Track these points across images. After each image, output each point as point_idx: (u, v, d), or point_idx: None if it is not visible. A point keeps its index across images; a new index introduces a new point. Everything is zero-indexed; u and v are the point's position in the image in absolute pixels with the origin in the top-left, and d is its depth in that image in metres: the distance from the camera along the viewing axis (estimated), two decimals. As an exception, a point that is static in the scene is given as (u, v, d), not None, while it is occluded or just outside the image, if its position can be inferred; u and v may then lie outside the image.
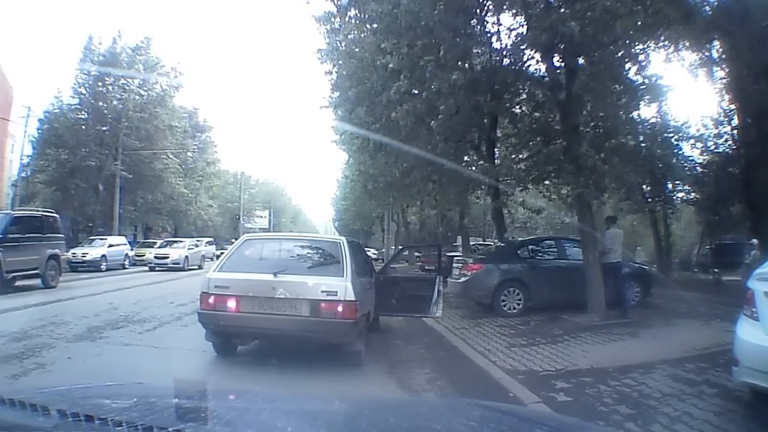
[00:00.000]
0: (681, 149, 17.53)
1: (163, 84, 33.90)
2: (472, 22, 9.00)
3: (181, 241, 27.30)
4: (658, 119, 15.36)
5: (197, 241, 29.76)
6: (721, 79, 14.99)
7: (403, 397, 4.64)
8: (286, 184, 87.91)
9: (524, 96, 11.46)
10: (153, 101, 32.85)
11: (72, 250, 22.00)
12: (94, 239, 24.83)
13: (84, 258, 21.54)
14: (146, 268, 23.25)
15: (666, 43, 9.55)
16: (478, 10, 8.92)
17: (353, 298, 5.60)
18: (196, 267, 24.95)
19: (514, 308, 9.52)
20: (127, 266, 24.16)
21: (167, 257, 23.76)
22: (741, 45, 10.47)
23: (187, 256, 24.69)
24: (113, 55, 31.24)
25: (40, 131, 31.30)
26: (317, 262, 6.28)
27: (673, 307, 9.81)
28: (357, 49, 9.60)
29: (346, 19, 9.61)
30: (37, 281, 13.66)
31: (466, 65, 9.33)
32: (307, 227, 76.90)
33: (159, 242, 27.89)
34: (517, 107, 11.99)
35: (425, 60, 7.86)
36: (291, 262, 6.11)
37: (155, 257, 23.83)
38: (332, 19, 9.68)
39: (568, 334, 7.49)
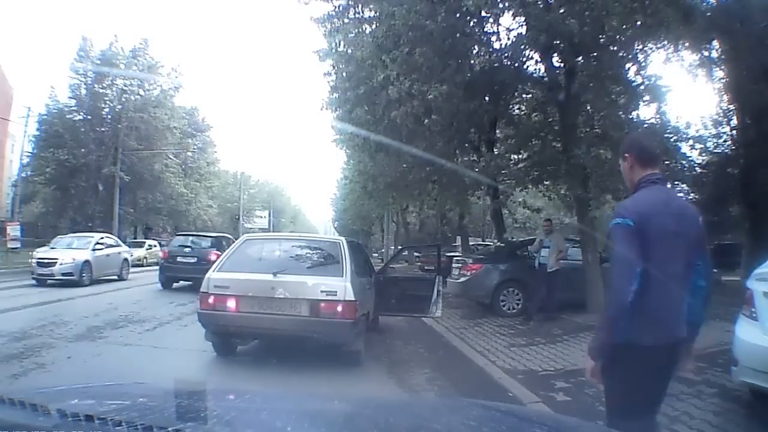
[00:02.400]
0: (680, 149, 17.54)
1: (162, 84, 33.98)
2: (470, 23, 9.00)
3: (86, 237, 17.24)
4: (657, 120, 15.38)
5: (109, 236, 19.48)
6: (720, 79, 14.98)
7: (402, 397, 4.65)
8: (285, 184, 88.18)
9: (523, 96, 11.47)
10: (152, 102, 32.90)
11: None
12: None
13: None
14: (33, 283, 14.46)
15: (665, 43, 9.55)
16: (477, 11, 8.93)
17: (353, 298, 5.60)
18: (114, 277, 16.63)
19: (514, 308, 9.54)
20: None
21: (53, 263, 14.50)
22: (740, 45, 10.46)
23: (87, 261, 14.90)
24: (111, 56, 31.28)
25: (39, 131, 31.36)
26: (317, 262, 6.28)
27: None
28: (356, 50, 9.60)
29: (345, 20, 9.62)
30: None
31: (466, 66, 9.34)
32: (307, 227, 76.98)
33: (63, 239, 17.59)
34: (516, 108, 12.00)
35: (424, 63, 7.87)
36: (290, 262, 6.11)
37: (38, 263, 14.78)
38: (332, 21, 9.68)
39: (568, 333, 7.49)
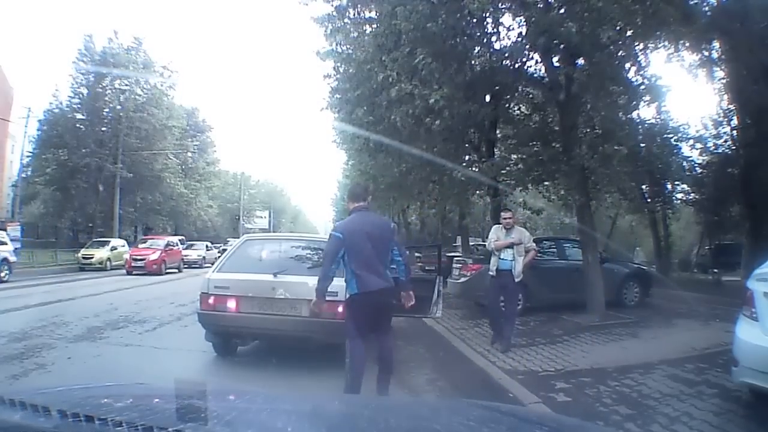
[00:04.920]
0: (680, 150, 17.55)
1: (158, 83, 33.99)
2: (471, 23, 9.00)
3: None
4: (658, 120, 15.38)
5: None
6: (720, 79, 15.02)
7: (402, 398, 4.65)
8: (285, 184, 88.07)
9: (523, 97, 11.46)
10: (150, 101, 32.93)
11: None
12: None
13: None
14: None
15: (666, 43, 9.56)
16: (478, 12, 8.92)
17: (353, 299, 5.59)
18: None
19: (514, 308, 9.52)
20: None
21: None
22: (740, 45, 10.48)
23: None
24: (111, 56, 31.31)
25: (40, 132, 31.40)
26: (317, 263, 6.25)
27: (673, 308, 9.81)
28: (357, 51, 9.59)
29: (345, 20, 9.61)
30: None
31: (466, 67, 9.34)
32: (307, 227, 76.90)
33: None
34: (516, 108, 11.99)
35: (425, 64, 7.86)
36: (291, 262, 6.11)
37: None
38: (333, 21, 9.68)
39: (568, 334, 7.49)
